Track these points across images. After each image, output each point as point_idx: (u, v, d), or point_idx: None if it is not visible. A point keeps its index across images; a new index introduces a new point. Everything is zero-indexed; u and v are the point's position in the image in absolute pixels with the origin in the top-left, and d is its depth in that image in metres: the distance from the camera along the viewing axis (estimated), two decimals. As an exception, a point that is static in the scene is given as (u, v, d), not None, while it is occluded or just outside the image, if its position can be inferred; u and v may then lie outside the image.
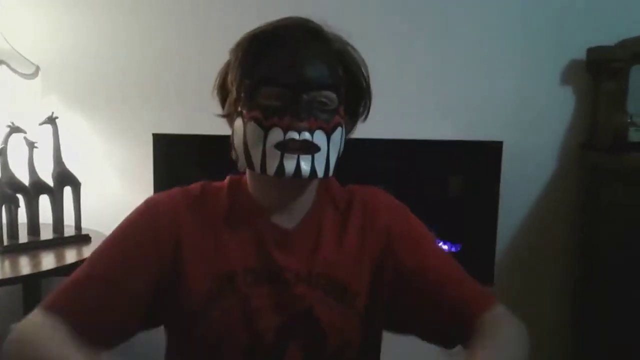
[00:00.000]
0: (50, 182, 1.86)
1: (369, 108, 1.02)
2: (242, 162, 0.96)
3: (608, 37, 2.03)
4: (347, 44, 0.98)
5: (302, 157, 0.89)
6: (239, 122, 0.94)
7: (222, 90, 0.99)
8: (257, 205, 0.98)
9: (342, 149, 0.97)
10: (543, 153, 2.17)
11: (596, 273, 2.05)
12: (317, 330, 0.94)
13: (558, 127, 2.17)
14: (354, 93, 0.98)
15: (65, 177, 1.88)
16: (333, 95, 0.92)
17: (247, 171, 0.99)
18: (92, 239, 1.90)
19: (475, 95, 2.14)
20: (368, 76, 1.00)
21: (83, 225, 1.93)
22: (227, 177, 1.04)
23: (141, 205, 1.00)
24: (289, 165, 0.89)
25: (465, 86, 2.14)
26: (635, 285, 1.83)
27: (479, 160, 2.09)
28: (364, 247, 1.01)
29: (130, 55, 2.09)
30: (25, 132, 1.78)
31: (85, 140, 2.11)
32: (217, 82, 1.00)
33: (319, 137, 0.90)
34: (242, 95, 0.92)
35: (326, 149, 0.91)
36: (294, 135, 0.88)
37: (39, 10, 2.06)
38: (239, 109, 0.93)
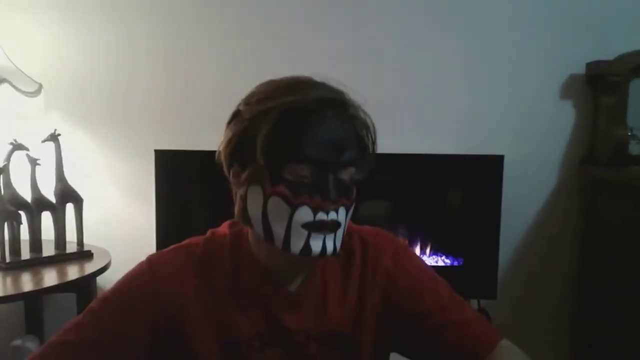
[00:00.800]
0: (52, 198, 1.86)
1: (369, 170, 0.97)
2: (258, 233, 0.91)
3: (607, 51, 2.04)
4: (360, 108, 0.93)
5: (327, 236, 0.87)
6: (257, 193, 0.88)
7: (231, 156, 0.92)
8: (262, 268, 0.95)
9: None
10: (544, 167, 2.18)
11: (598, 286, 2.05)
12: None
13: (559, 140, 2.17)
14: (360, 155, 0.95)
15: (67, 194, 1.88)
16: (354, 170, 0.90)
17: (252, 233, 0.95)
18: (94, 255, 1.90)
19: (476, 109, 2.15)
20: (376, 141, 0.95)
21: (85, 241, 1.94)
22: (227, 226, 1.00)
23: (143, 264, 0.96)
24: (316, 246, 0.87)
25: (466, 101, 2.15)
26: (637, 299, 1.82)
27: (480, 174, 2.09)
28: (365, 299, 0.99)
29: (132, 72, 2.11)
30: (27, 149, 1.79)
31: (88, 157, 2.12)
32: (223, 145, 0.93)
33: (342, 215, 0.88)
34: (265, 167, 0.86)
35: (344, 224, 0.90)
36: (323, 216, 0.86)
37: (42, 28, 2.07)
38: (260, 179, 0.88)
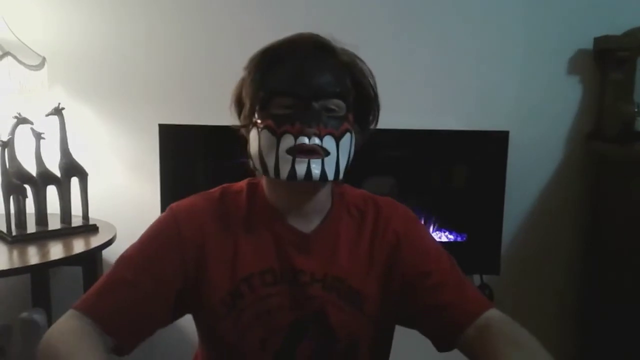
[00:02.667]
0: (57, 172, 1.87)
1: (377, 117, 1.06)
2: (258, 169, 1.00)
3: (615, 26, 2.02)
4: (355, 56, 1.03)
5: (312, 161, 0.94)
6: (254, 132, 0.99)
7: (238, 105, 1.03)
8: (274, 208, 1.03)
9: (352, 155, 1.01)
10: (549, 143, 2.17)
11: (602, 263, 2.05)
12: (328, 329, 1.01)
13: (564, 117, 2.16)
14: (363, 103, 1.03)
15: (72, 168, 1.89)
16: (341, 103, 0.97)
17: (264, 177, 1.04)
18: (100, 229, 1.91)
19: (481, 85, 2.14)
20: (376, 86, 1.04)
21: (90, 215, 1.94)
22: (246, 180, 1.09)
23: (165, 212, 1.04)
24: (300, 169, 0.93)
25: (471, 76, 2.13)
26: (641, 275, 1.83)
27: (485, 150, 2.09)
28: (374, 254, 1.05)
29: (136, 45, 2.09)
30: (32, 123, 1.79)
31: (92, 131, 2.11)
32: (233, 97, 1.04)
33: (329, 142, 0.95)
34: (256, 107, 0.98)
35: (335, 153, 0.96)
36: (304, 140, 0.93)
37: (45, 1, 2.05)
38: (254, 119, 0.99)
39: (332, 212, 1.06)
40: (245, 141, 1.03)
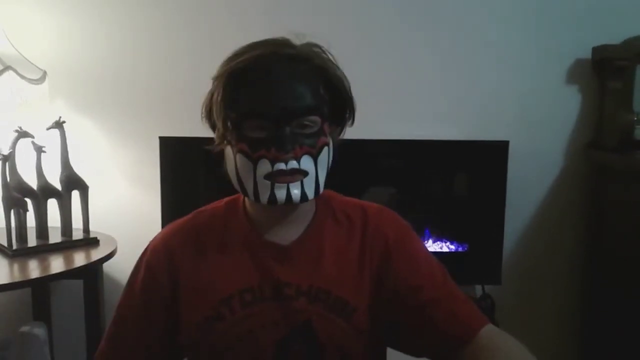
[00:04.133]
0: (58, 185, 1.87)
1: (354, 114, 1.03)
2: (238, 189, 0.99)
3: (613, 35, 2.02)
4: (327, 59, 0.98)
5: (291, 185, 0.92)
6: (229, 151, 0.97)
7: (210, 119, 1.00)
8: (253, 223, 1.02)
9: (330, 163, 0.99)
10: (549, 152, 2.17)
11: (603, 272, 2.05)
12: (316, 344, 0.96)
13: (564, 126, 2.16)
14: (338, 102, 1.00)
15: (73, 181, 1.89)
16: (316, 118, 0.94)
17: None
18: (101, 242, 1.91)
19: (481, 95, 2.14)
20: (349, 87, 1.00)
21: (91, 228, 1.94)
22: (224, 200, 1.08)
23: (143, 253, 1.05)
24: (280, 194, 0.92)
25: (471, 86, 2.14)
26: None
27: (485, 160, 2.09)
28: (363, 262, 1.01)
29: (136, 59, 2.10)
30: (33, 137, 1.79)
31: (93, 144, 2.12)
32: (203, 110, 1.01)
33: (306, 162, 0.93)
34: (229, 127, 0.94)
35: (314, 172, 0.94)
36: (282, 166, 0.91)
37: (46, 15, 2.07)
38: (228, 138, 0.96)
39: (315, 219, 1.03)
40: (220, 155, 1.01)
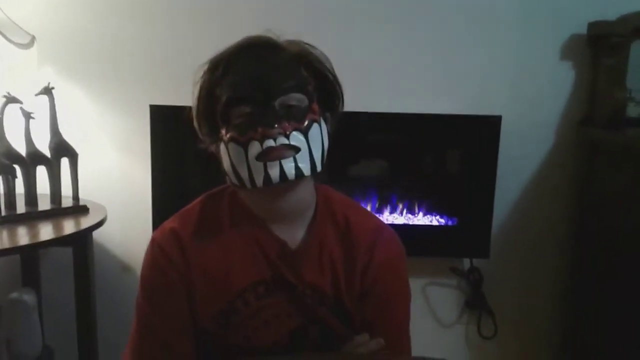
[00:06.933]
0: (47, 152, 1.85)
1: (342, 99, 1.04)
2: (236, 184, 0.99)
3: (609, 11, 2.01)
4: (305, 43, 1.00)
5: (284, 161, 0.92)
6: (222, 147, 0.98)
7: (200, 123, 1.02)
8: (257, 216, 1.03)
9: (326, 143, 1.00)
10: (542, 128, 2.17)
11: (592, 249, 2.07)
12: (326, 328, 1.04)
13: (557, 101, 2.16)
14: (325, 88, 1.01)
15: (62, 148, 1.87)
16: (301, 96, 0.95)
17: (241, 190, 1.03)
18: (90, 210, 1.90)
19: (474, 69, 2.13)
20: (332, 69, 1.01)
21: (80, 195, 1.93)
22: (226, 191, 1.08)
23: (148, 251, 1.04)
24: (274, 172, 0.92)
25: (465, 60, 2.12)
26: (631, 261, 1.84)
27: (477, 134, 2.09)
28: (354, 272, 1.05)
29: (127, 25, 2.07)
30: (21, 103, 1.77)
31: (82, 111, 2.10)
32: (195, 116, 1.02)
33: (296, 138, 0.94)
34: (219, 122, 0.96)
35: (307, 147, 0.94)
36: (270, 142, 0.91)
37: (34, -22, 2.03)
38: (220, 135, 0.98)
39: (315, 221, 1.05)
40: (219, 162, 1.02)
